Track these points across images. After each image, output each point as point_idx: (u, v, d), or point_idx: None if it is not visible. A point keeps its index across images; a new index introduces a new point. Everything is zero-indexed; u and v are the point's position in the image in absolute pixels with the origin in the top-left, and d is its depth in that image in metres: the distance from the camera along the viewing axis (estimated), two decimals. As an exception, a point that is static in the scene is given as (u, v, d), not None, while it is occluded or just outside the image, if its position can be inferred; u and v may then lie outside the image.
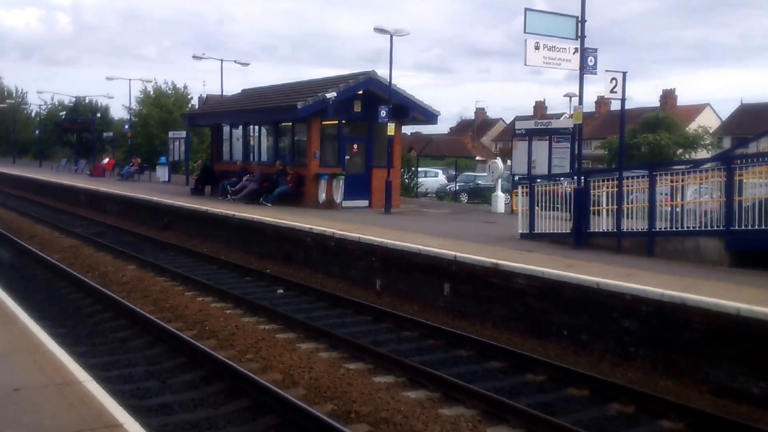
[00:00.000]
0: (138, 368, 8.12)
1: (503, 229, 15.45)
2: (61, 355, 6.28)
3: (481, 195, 31.51)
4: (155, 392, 7.34)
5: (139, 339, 9.40)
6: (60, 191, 31.31)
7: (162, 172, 34.50)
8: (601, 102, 67.15)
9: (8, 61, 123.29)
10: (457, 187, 34.82)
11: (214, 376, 7.78)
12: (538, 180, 14.71)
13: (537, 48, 12.88)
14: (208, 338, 9.36)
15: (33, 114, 71.07)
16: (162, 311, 10.77)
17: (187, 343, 8.77)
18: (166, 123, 47.01)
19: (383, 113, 19.12)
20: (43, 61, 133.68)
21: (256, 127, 23.87)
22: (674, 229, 11.51)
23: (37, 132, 59.18)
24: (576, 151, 14.95)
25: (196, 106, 53.14)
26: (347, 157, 20.78)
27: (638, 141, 46.14)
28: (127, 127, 43.29)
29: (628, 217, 12.36)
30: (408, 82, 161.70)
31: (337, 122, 20.58)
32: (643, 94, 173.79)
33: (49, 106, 65.10)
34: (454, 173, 38.29)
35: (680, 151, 47.27)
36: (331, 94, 19.17)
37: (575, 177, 13.11)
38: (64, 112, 57.40)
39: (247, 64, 34.66)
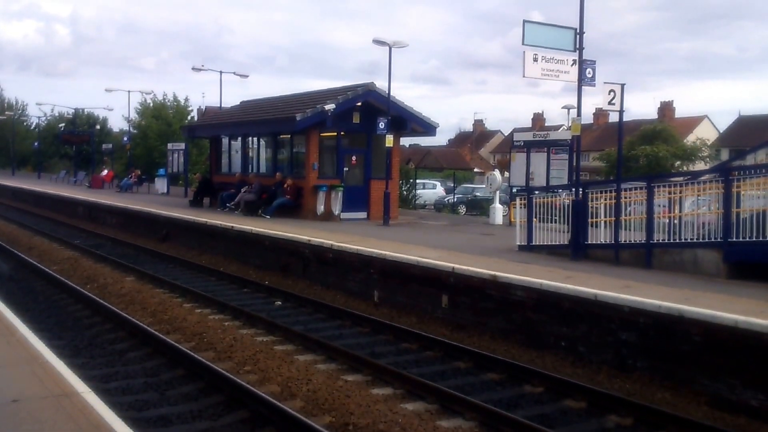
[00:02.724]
0: (136, 380, 8.12)
1: (501, 240, 15.48)
2: (59, 366, 6.28)
3: (479, 207, 31.59)
4: (154, 404, 7.33)
5: (137, 351, 9.39)
6: (59, 203, 31.33)
7: (161, 184, 34.53)
8: (600, 114, 67.49)
9: (7, 72, 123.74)
10: (456, 199, 34.90)
11: (213, 388, 7.78)
12: (536, 192, 14.76)
13: (535, 60, 12.97)
14: (206, 350, 9.36)
15: (32, 126, 71.23)
16: (160, 323, 10.78)
17: (186, 355, 8.77)
18: (165, 135, 47.12)
19: (382, 125, 19.19)
20: (41, 72, 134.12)
21: (255, 139, 23.94)
22: (672, 240, 11.54)
23: (36, 144, 59.29)
24: (574, 163, 15.01)
25: (195, 118, 53.28)
26: (346, 169, 20.83)
27: (636, 153, 46.31)
28: (126, 138, 43.36)
29: (626, 229, 12.40)
30: (405, 93, 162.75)
31: (335, 134, 20.64)
32: (641, 106, 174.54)
33: (49, 118, 65.29)
34: (452, 185, 38.39)
35: (678, 163, 47.45)
36: (330, 106, 19.24)
37: (573, 189, 13.16)
38: (63, 124, 57.46)
39: (246, 76, 34.85)
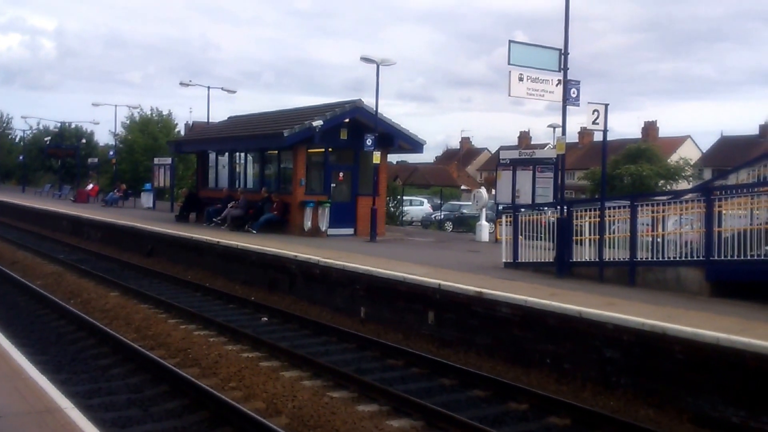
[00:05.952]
0: (120, 396, 8.05)
1: (487, 257, 15.55)
2: (42, 382, 6.23)
3: (465, 224, 31.70)
4: (137, 420, 7.28)
5: (121, 367, 9.32)
6: (43, 217, 31.09)
7: (147, 199, 34.39)
8: (584, 133, 68.10)
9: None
10: (442, 216, 35.02)
11: (197, 405, 7.74)
12: (522, 209, 14.86)
13: (521, 79, 13.11)
14: (191, 366, 9.30)
15: (17, 139, 70.79)
16: (145, 339, 10.71)
17: (170, 371, 8.71)
18: (152, 149, 46.99)
19: (369, 142, 19.26)
20: (26, 86, 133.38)
21: (242, 155, 23.95)
22: (655, 259, 11.66)
23: (20, 157, 58.88)
24: (559, 181, 15.15)
25: (182, 133, 53.22)
26: (333, 185, 20.87)
27: (620, 172, 46.76)
28: (112, 153, 43.20)
29: (610, 247, 12.50)
30: (392, 110, 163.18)
31: (323, 150, 20.71)
32: (625, 126, 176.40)
33: (34, 132, 64.92)
34: (439, 202, 38.52)
35: (662, 182, 47.93)
36: (318, 123, 19.32)
37: (558, 207, 13.27)
38: (49, 138, 57.14)
39: (233, 92, 34.79)
